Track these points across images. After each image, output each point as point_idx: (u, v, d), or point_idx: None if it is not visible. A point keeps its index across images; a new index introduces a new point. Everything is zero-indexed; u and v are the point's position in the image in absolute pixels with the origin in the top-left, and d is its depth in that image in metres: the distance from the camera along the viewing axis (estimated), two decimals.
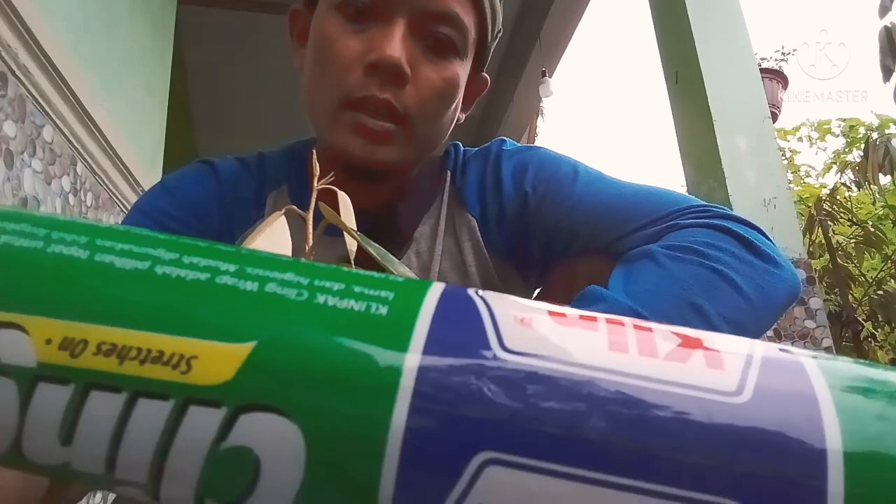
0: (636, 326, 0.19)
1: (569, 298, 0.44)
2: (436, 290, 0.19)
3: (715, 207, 0.48)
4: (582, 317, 0.19)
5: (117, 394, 0.17)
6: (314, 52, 0.50)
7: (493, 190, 0.56)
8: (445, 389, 0.16)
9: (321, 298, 0.18)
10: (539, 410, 0.16)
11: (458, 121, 0.57)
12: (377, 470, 0.16)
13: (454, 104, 0.53)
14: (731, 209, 0.56)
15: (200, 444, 0.16)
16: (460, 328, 0.18)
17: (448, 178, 0.58)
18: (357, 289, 0.19)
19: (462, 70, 0.52)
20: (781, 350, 0.19)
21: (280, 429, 0.16)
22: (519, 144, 0.59)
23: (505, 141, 0.59)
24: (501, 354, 0.17)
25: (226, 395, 0.17)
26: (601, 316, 0.20)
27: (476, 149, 0.60)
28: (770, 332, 1.53)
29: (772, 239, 0.47)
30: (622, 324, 0.19)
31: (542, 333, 0.18)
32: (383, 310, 0.18)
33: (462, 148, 0.61)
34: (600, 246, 0.50)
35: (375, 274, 0.20)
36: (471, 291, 0.20)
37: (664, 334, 0.19)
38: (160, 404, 0.17)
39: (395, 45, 0.47)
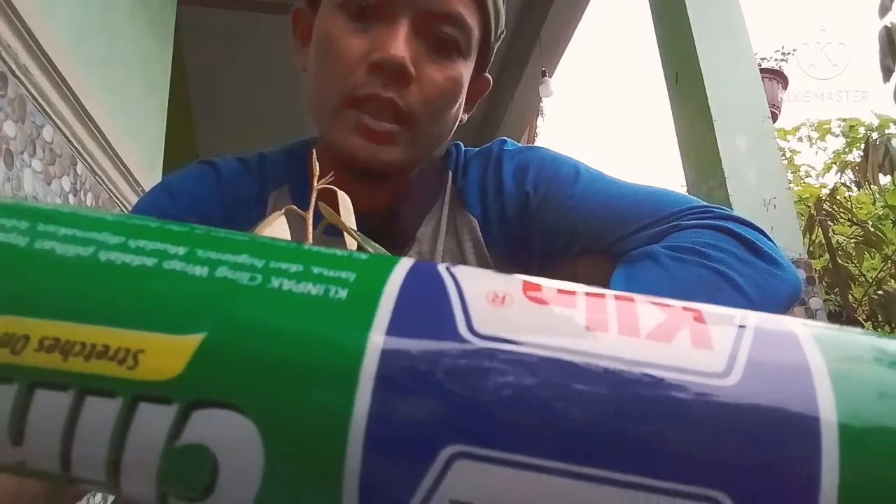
0: (618, 297, 0.18)
1: None
2: (401, 269, 0.18)
3: (716, 208, 0.48)
4: (560, 290, 0.18)
5: (63, 392, 0.16)
6: (317, 52, 0.50)
7: (495, 190, 0.56)
8: (409, 378, 0.15)
9: (276, 283, 0.17)
10: (509, 400, 0.15)
11: (460, 121, 0.57)
12: (340, 464, 0.15)
13: (457, 104, 0.53)
14: (731, 209, 0.56)
15: (154, 443, 0.16)
16: (426, 311, 0.17)
17: (449, 179, 0.58)
18: (316, 270, 0.18)
19: (465, 70, 0.52)
20: (777, 322, 0.18)
21: (234, 425, 0.15)
22: (520, 144, 0.59)
23: (506, 141, 0.59)
24: (469, 338, 0.16)
25: (175, 392, 0.16)
26: (581, 289, 0.18)
27: (477, 149, 0.60)
28: None
29: (773, 239, 0.47)
30: (602, 296, 0.18)
31: (514, 313, 0.17)
32: (343, 293, 0.17)
33: (463, 148, 0.61)
34: (602, 246, 0.50)
35: (338, 251, 0.19)
36: (441, 268, 0.19)
37: (648, 309, 0.17)
38: (108, 402, 0.16)
39: (399, 45, 0.47)
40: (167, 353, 0.16)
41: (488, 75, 0.60)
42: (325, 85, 0.49)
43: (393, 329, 0.16)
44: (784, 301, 0.45)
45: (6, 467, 0.17)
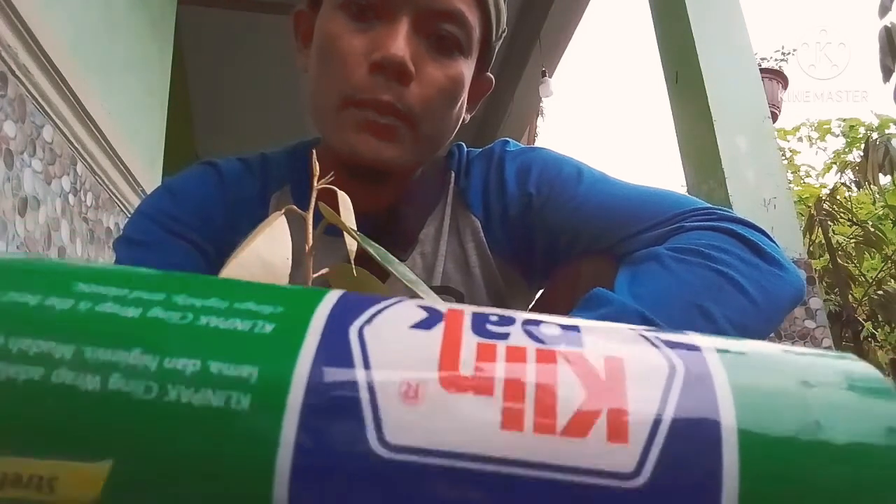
0: (539, 360, 0.17)
1: (572, 299, 0.44)
2: (306, 355, 0.17)
3: (719, 210, 0.48)
4: (479, 359, 0.17)
5: None
6: (318, 52, 0.50)
7: (497, 191, 0.56)
8: (321, 498, 0.16)
9: (173, 393, 0.16)
10: None
11: (462, 121, 0.57)
12: None
13: (459, 103, 0.53)
14: (732, 209, 0.56)
15: None
16: (335, 421, 0.16)
17: (452, 179, 0.58)
18: (214, 367, 0.17)
19: (466, 69, 0.52)
20: (700, 401, 0.17)
21: None
22: (522, 145, 0.59)
23: (508, 142, 0.59)
24: (380, 452, 0.16)
25: None
26: (502, 354, 0.18)
27: (479, 149, 0.60)
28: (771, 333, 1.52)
29: (775, 241, 0.47)
30: (524, 360, 0.17)
31: (426, 412, 0.16)
32: (245, 401, 0.16)
33: (465, 149, 0.61)
34: (604, 247, 0.50)
35: (239, 326, 0.18)
36: (354, 346, 0.18)
37: (570, 384, 0.17)
38: None
39: (400, 44, 0.47)
40: (80, 480, 0.16)
41: (490, 75, 0.60)
42: (327, 84, 0.49)
43: (301, 447, 0.16)
44: (787, 302, 0.45)
45: None
